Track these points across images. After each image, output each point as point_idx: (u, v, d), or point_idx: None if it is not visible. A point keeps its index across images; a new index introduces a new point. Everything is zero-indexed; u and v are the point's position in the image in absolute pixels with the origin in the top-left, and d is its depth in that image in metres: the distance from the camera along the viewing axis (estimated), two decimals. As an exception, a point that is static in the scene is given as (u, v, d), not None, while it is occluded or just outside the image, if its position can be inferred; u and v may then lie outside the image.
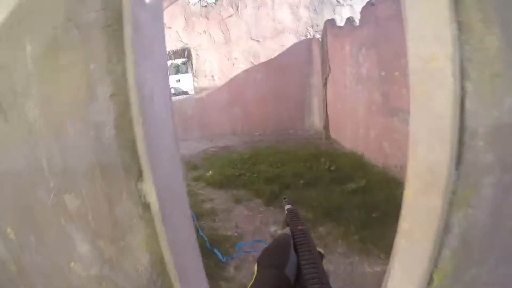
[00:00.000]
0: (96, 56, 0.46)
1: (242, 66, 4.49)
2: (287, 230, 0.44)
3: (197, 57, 4.72)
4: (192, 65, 4.78)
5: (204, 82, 4.74)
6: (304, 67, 4.36)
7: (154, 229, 0.49)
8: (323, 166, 2.65)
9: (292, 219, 0.46)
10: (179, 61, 6.74)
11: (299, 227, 0.43)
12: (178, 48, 4.77)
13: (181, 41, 4.78)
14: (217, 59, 4.61)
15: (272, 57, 4.40)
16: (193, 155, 4.01)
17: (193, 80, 4.89)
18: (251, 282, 0.34)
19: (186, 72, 8.08)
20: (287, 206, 0.53)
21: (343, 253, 1.48)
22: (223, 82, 4.61)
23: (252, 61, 4.45)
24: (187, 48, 4.73)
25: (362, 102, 2.82)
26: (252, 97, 4.51)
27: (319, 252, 0.41)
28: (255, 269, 0.38)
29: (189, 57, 4.76)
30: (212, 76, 4.65)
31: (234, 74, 4.51)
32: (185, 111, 4.96)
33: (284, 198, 0.59)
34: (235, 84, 4.54)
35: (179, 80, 9.44)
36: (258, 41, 4.43)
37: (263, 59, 4.42)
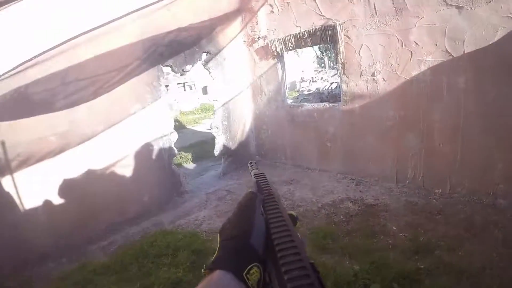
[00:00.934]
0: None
1: (428, 58, 4.88)
2: (252, 188, 0.69)
3: (347, 41, 5.60)
4: (339, 53, 5.79)
5: (359, 84, 5.61)
6: None
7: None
8: None
9: (259, 182, 0.74)
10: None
11: (267, 191, 0.68)
12: (318, 27, 5.84)
13: (321, 14, 5.78)
14: (381, 43, 5.17)
15: (490, 43, 4.50)
16: (309, 207, 5.21)
17: (341, 80, 5.93)
18: (214, 256, 0.54)
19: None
20: (254, 171, 0.87)
21: None
22: (391, 86, 5.21)
23: (448, 49, 4.73)
24: (330, 25, 5.69)
25: None
26: (442, 120, 4.85)
27: (291, 215, 0.65)
28: (218, 240, 0.59)
29: (334, 40, 5.75)
30: (373, 75, 5.39)
31: (413, 74, 5.07)
32: (325, 127, 6.29)
33: (251, 163, 0.97)
34: (413, 93, 5.01)
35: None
36: (459, 7, 4.58)
37: (470, 45, 4.56)
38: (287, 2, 6.22)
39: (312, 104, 6.49)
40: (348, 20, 5.49)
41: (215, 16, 6.48)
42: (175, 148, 6.11)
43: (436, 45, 4.75)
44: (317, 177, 6.30)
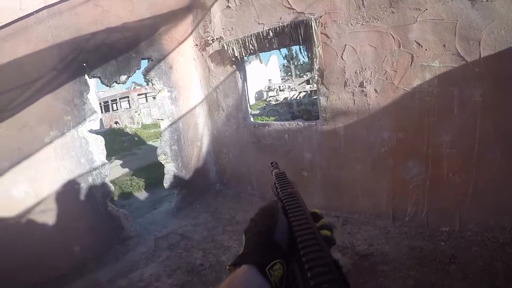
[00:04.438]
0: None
1: (434, 64, 3.73)
2: (273, 196, 0.75)
3: (326, 41, 4.40)
4: (314, 57, 4.63)
5: (343, 98, 4.45)
6: None
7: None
8: None
9: (280, 182, 0.76)
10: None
11: (288, 190, 0.70)
12: (286, 23, 4.67)
13: (290, 7, 4.62)
14: (372, 43, 4.07)
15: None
16: None
17: (319, 91, 4.73)
18: (239, 254, 0.57)
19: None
20: (275, 171, 0.88)
21: None
22: (386, 100, 4.12)
23: (460, 52, 3.62)
24: (302, 21, 4.54)
25: None
26: (452, 144, 3.82)
27: (315, 213, 0.68)
28: (244, 239, 0.62)
29: (308, 40, 4.58)
30: (362, 85, 4.25)
31: (415, 84, 3.89)
32: (300, 153, 5.08)
33: (272, 164, 0.99)
34: (415, 109, 3.96)
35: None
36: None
37: (488, 47, 3.39)
38: (247, -6, 5.05)
39: (282, 123, 5.24)
40: (326, 13, 4.36)
41: (159, 13, 5.25)
42: (110, 184, 4.81)
43: (444, 46, 3.71)
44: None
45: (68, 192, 4.26)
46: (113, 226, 4.81)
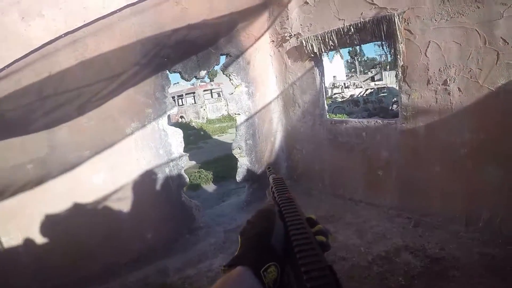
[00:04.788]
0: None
1: None
2: (270, 199, 0.80)
3: (409, 37, 4.58)
4: (398, 54, 4.76)
5: (425, 96, 4.58)
6: None
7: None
8: None
9: (277, 187, 0.80)
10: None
11: (286, 195, 0.74)
12: (367, 19, 4.86)
13: (372, 3, 4.81)
14: (457, 40, 4.17)
15: None
16: (356, 261, 4.12)
17: (400, 89, 4.88)
18: (235, 255, 0.61)
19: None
20: (272, 175, 0.93)
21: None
22: (469, 99, 4.20)
23: None
24: (385, 17, 4.72)
25: None
26: None
27: (311, 218, 0.71)
28: (239, 241, 0.66)
29: (391, 36, 4.76)
30: (445, 84, 4.38)
31: (500, 83, 3.90)
32: (377, 151, 5.28)
33: (269, 168, 1.05)
34: (499, 109, 4.00)
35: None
36: None
37: None
38: (326, -10, 5.36)
39: (360, 120, 5.50)
40: (409, 8, 4.51)
41: (236, 10, 5.67)
42: (185, 176, 5.34)
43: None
44: (363, 213, 5.31)
45: (145, 182, 4.75)
46: (185, 216, 5.30)
